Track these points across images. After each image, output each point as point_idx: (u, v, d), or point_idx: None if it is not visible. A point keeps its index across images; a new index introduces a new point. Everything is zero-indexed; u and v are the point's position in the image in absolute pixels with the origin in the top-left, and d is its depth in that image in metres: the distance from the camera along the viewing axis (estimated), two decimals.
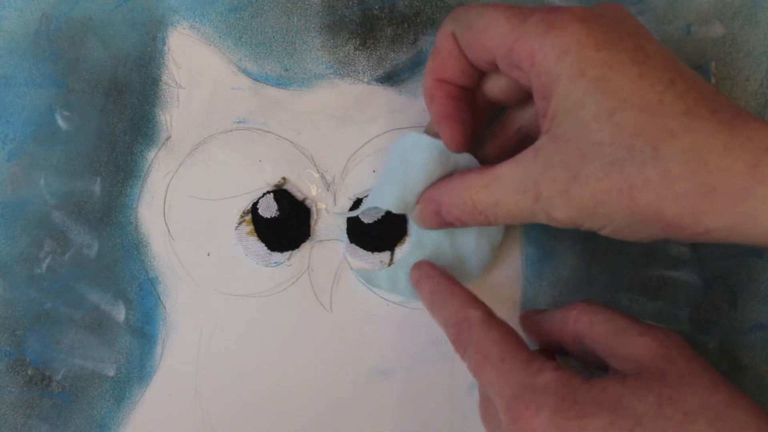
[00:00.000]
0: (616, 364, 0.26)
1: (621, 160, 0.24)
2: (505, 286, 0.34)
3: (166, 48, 0.35)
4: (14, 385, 0.34)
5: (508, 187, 0.27)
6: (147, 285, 0.34)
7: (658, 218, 0.25)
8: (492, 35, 0.27)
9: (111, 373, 0.34)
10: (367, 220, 0.34)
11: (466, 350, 0.28)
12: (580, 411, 0.24)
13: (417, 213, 0.31)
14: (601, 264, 0.34)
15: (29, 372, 0.34)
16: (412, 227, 0.34)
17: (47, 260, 0.34)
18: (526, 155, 0.27)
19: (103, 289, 0.34)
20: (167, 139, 0.35)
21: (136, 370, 0.34)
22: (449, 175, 0.30)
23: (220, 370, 0.34)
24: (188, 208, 0.34)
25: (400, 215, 0.34)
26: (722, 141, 0.24)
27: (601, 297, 0.34)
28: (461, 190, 0.29)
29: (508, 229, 0.34)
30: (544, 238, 0.34)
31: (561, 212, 0.26)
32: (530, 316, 0.31)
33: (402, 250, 0.34)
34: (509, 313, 0.33)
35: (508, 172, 0.27)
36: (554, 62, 0.25)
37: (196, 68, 0.35)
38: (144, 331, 0.34)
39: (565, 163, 0.25)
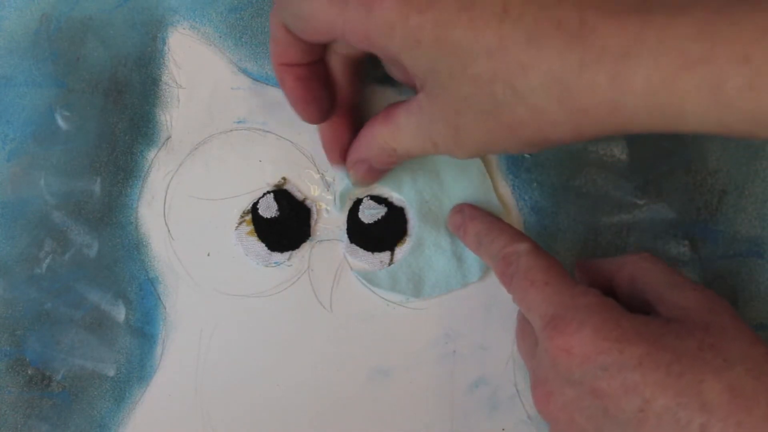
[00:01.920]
0: (663, 309, 0.26)
1: (490, 108, 0.24)
2: None
3: (166, 48, 0.35)
4: (14, 385, 0.34)
5: (409, 135, 0.28)
6: (147, 285, 0.34)
7: (546, 142, 0.25)
8: (321, 21, 0.26)
9: (111, 373, 0.34)
10: (367, 220, 0.34)
11: (513, 279, 0.28)
12: (622, 335, 0.24)
13: (353, 180, 0.32)
14: None
15: (29, 372, 0.34)
16: (413, 227, 0.34)
17: (47, 260, 0.34)
18: (413, 106, 0.27)
19: (103, 289, 0.34)
20: (167, 139, 0.35)
21: (136, 370, 0.34)
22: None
23: (220, 370, 0.34)
24: (188, 208, 0.34)
25: (400, 215, 0.34)
26: (576, 60, 0.22)
27: None
28: (375, 141, 0.29)
29: None
30: (543, 238, 0.34)
31: (461, 154, 0.27)
32: (586, 261, 0.31)
33: (402, 250, 0.34)
34: (510, 313, 0.33)
35: (405, 120, 0.27)
36: (387, 40, 0.24)
37: (196, 68, 0.34)
38: (144, 331, 0.34)
39: (444, 118, 0.25)
